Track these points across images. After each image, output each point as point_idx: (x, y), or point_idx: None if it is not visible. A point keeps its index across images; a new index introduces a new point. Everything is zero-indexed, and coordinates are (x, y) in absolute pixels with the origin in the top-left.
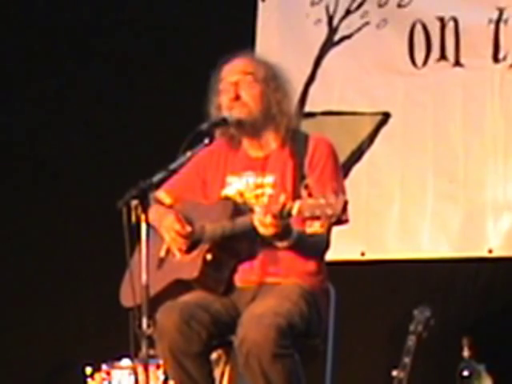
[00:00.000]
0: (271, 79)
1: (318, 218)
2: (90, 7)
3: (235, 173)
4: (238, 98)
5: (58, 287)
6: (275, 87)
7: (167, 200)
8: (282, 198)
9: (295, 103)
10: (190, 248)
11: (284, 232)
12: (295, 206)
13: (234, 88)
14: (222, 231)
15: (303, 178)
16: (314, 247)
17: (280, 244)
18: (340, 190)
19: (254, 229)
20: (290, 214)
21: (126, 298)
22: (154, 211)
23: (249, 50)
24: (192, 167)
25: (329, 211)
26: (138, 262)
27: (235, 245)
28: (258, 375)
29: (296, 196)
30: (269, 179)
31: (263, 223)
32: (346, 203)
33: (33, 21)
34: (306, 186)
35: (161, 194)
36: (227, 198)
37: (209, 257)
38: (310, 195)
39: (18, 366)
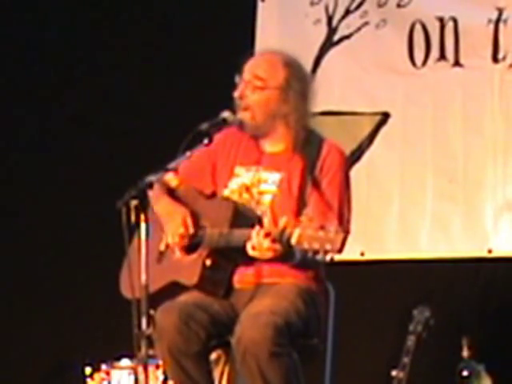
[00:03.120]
0: (284, 89)
1: (316, 251)
2: (90, 7)
3: (244, 164)
4: (242, 97)
5: (58, 287)
6: (285, 98)
7: (174, 182)
8: (283, 221)
9: (310, 111)
10: (190, 248)
11: (284, 255)
12: (295, 235)
13: (243, 86)
14: (216, 242)
15: (311, 181)
16: (317, 262)
17: (283, 263)
18: (344, 213)
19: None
20: (288, 241)
21: (126, 288)
22: (163, 204)
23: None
24: (204, 152)
25: (328, 246)
26: (136, 251)
27: (234, 250)
28: (255, 373)
29: (301, 198)
30: (275, 176)
31: (260, 245)
32: (344, 238)
33: (33, 17)
34: (306, 214)
35: (169, 175)
36: (228, 199)
37: (208, 262)
38: (308, 225)
39: (18, 366)
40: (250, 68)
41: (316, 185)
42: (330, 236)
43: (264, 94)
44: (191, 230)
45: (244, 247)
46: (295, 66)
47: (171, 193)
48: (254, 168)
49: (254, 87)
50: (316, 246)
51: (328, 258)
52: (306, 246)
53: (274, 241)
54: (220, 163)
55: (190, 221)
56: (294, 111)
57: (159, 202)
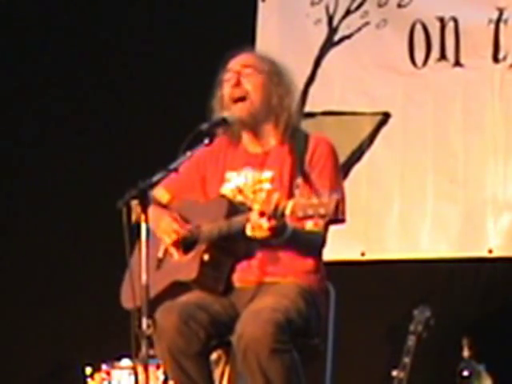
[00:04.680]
0: (274, 74)
1: (311, 217)
2: (91, 7)
3: (234, 169)
4: (238, 84)
5: (58, 287)
6: (278, 82)
7: (165, 197)
8: (275, 197)
9: (297, 102)
10: (188, 248)
11: (279, 230)
12: (288, 206)
13: (236, 75)
14: (218, 231)
15: (303, 175)
16: (309, 244)
17: (274, 241)
18: (337, 189)
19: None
20: (283, 214)
21: (127, 300)
22: (150, 213)
23: (253, 48)
24: (192, 164)
25: (322, 211)
26: (137, 263)
27: (232, 244)
28: (255, 371)
29: (292, 193)
30: (267, 175)
31: (260, 226)
32: (338, 202)
33: (33, 19)
34: (298, 186)
35: (159, 191)
36: (222, 196)
37: (206, 257)
38: (302, 194)
39: (18, 366)
40: (236, 62)
41: (307, 178)
42: (323, 200)
43: (259, 77)
44: (185, 227)
45: (242, 239)
46: (272, 58)
47: (164, 208)
48: (244, 170)
49: (248, 73)
50: (310, 212)
51: (321, 222)
52: (300, 214)
53: (269, 218)
54: (209, 173)
55: (178, 218)
56: (287, 94)
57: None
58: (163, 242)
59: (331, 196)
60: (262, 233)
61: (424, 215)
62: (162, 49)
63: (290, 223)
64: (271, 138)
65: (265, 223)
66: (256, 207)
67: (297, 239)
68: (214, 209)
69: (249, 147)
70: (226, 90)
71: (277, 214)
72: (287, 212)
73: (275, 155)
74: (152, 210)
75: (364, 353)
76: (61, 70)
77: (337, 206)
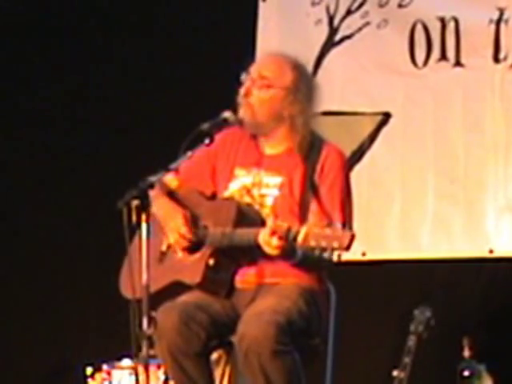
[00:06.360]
0: (292, 92)
1: (323, 249)
2: (91, 8)
3: (244, 166)
4: (247, 94)
5: (58, 287)
6: (292, 100)
7: (174, 183)
8: (287, 224)
9: (314, 118)
10: (193, 248)
11: (288, 252)
12: (301, 232)
13: (249, 84)
14: (220, 240)
15: (312, 185)
16: (318, 267)
17: (279, 259)
18: (347, 215)
19: (257, 247)
20: (295, 239)
21: (126, 288)
22: (161, 205)
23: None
24: (204, 152)
25: (335, 244)
26: (137, 250)
27: (238, 252)
28: (257, 372)
29: (303, 202)
30: (276, 180)
31: (269, 244)
32: (352, 237)
33: (35, 20)
34: (313, 212)
35: (169, 176)
36: (232, 199)
37: (211, 262)
38: (315, 223)
39: (19, 366)
40: (257, 67)
41: (317, 189)
42: (337, 234)
43: (269, 92)
44: (192, 232)
45: (247, 247)
46: (303, 70)
47: (171, 194)
48: (254, 170)
49: (260, 86)
50: (323, 243)
51: (335, 256)
52: (312, 243)
53: (280, 238)
54: (220, 164)
55: (190, 220)
56: (300, 114)
57: (157, 204)
58: (168, 239)
59: (345, 230)
60: (270, 250)
61: (425, 215)
62: (162, 48)
63: (300, 247)
64: (284, 142)
65: (274, 241)
66: (269, 224)
67: (308, 262)
68: (223, 211)
69: (262, 146)
70: (240, 91)
71: (288, 237)
72: (299, 239)
73: (287, 160)
74: (163, 202)
75: (364, 353)
76: (60, 69)
77: (351, 241)
